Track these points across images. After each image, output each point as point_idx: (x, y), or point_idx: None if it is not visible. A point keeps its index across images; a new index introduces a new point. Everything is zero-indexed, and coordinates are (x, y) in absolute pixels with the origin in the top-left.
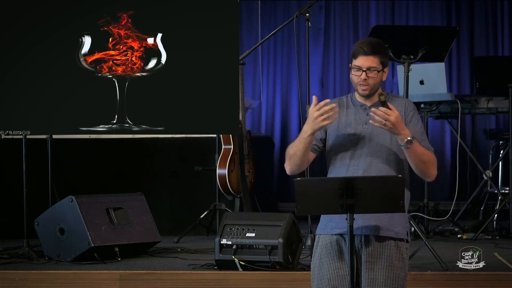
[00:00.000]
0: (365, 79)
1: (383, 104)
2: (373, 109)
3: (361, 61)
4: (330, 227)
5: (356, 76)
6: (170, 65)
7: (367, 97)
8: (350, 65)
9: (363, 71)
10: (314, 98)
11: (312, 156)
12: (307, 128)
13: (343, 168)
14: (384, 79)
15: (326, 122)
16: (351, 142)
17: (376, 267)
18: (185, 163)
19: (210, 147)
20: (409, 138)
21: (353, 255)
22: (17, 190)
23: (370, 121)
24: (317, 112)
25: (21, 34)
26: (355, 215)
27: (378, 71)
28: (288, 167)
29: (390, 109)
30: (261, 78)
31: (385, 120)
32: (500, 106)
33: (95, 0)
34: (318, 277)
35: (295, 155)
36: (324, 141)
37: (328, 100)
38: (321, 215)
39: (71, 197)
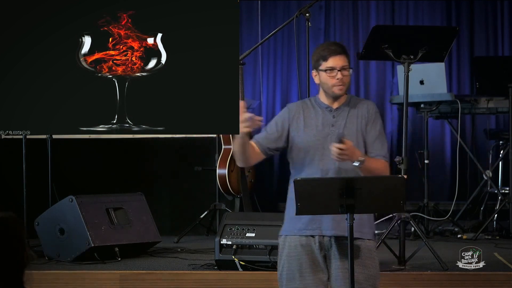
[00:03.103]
0: (341, 79)
1: (340, 142)
2: (332, 148)
3: (334, 61)
4: (298, 228)
5: (330, 78)
6: (170, 65)
7: (336, 98)
8: (316, 69)
9: (338, 70)
10: (241, 104)
11: (260, 157)
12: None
13: (312, 169)
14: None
15: (246, 130)
16: (319, 144)
17: (347, 266)
18: (185, 163)
19: (210, 147)
20: (361, 158)
21: (353, 255)
22: (17, 190)
23: (334, 157)
24: (241, 120)
25: (21, 34)
26: (324, 217)
27: (350, 70)
28: (237, 162)
29: (343, 142)
30: (261, 78)
31: (342, 155)
32: (500, 106)
33: (95, 0)
34: (287, 279)
35: (235, 153)
36: (284, 143)
37: (248, 116)
38: (285, 216)
39: (71, 197)
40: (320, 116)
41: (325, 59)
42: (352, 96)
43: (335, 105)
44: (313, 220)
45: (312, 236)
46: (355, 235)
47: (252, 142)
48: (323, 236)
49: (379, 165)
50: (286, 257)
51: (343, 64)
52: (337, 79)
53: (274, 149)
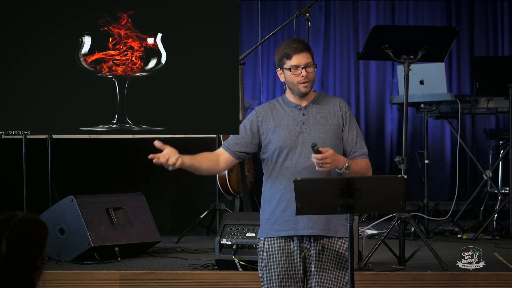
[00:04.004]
0: (306, 75)
1: (316, 151)
2: (313, 160)
3: (298, 59)
4: (275, 229)
5: (295, 76)
6: (170, 65)
7: (303, 95)
8: (280, 67)
9: (302, 68)
10: (156, 142)
11: (232, 161)
12: None
13: (287, 170)
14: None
15: (170, 163)
16: (292, 144)
17: (326, 265)
18: None
19: (210, 147)
20: (346, 165)
21: (353, 255)
22: (17, 190)
23: (317, 168)
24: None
25: (21, 34)
26: (299, 217)
27: (314, 66)
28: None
29: (321, 152)
30: (261, 78)
31: (323, 164)
32: (500, 106)
33: (95, 0)
34: (267, 280)
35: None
36: (255, 146)
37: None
38: (261, 218)
39: (71, 197)
40: (289, 115)
41: (289, 57)
42: (321, 93)
43: (304, 103)
44: (288, 220)
45: (291, 237)
46: (333, 234)
47: (221, 149)
48: (302, 236)
49: (363, 164)
50: (265, 260)
51: (307, 61)
52: (302, 76)
53: (243, 152)
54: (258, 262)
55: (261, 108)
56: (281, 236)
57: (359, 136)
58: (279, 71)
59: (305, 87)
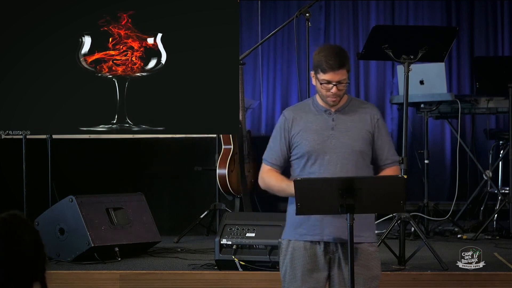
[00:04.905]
0: (336, 92)
1: None
2: None
3: (331, 76)
4: (300, 233)
5: (325, 90)
6: (170, 65)
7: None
8: (314, 74)
9: (334, 85)
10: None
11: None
12: (289, 193)
13: (314, 175)
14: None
15: None
16: (319, 149)
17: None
18: (185, 163)
19: (210, 147)
20: None
21: (353, 255)
22: (17, 190)
23: None
24: None
25: (21, 34)
26: (325, 223)
27: (347, 82)
28: (264, 188)
29: None
30: (261, 78)
31: None
32: (500, 106)
33: (95, 0)
34: (290, 280)
35: (271, 190)
36: (288, 153)
37: None
38: (287, 219)
39: (71, 197)
40: (319, 120)
41: (323, 71)
42: (353, 98)
43: (334, 108)
44: (314, 226)
45: (318, 241)
46: (358, 240)
47: (272, 168)
48: (328, 242)
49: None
50: (289, 261)
51: (341, 78)
52: (332, 92)
53: (287, 161)
54: (280, 262)
55: (289, 112)
56: (305, 240)
57: (389, 144)
58: (312, 73)
59: (334, 101)
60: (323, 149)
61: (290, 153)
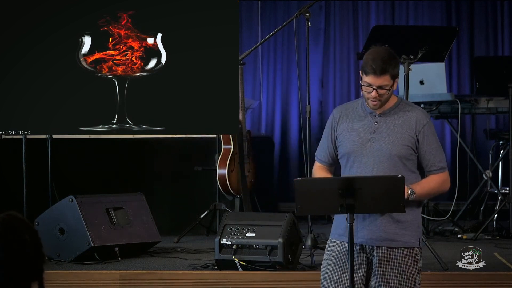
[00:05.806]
0: (375, 96)
1: None
2: None
3: (372, 80)
4: (337, 233)
5: (366, 92)
6: (170, 65)
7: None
8: (361, 74)
9: (374, 89)
10: None
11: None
12: None
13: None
14: (395, 88)
15: None
16: (358, 150)
17: (388, 271)
18: (185, 163)
19: (210, 147)
20: (409, 192)
21: (353, 255)
22: (17, 190)
23: None
24: None
25: (21, 34)
26: (358, 226)
27: (389, 88)
28: None
29: None
30: (261, 78)
31: None
32: (500, 106)
33: (95, 0)
34: (326, 280)
35: None
36: (335, 151)
37: None
38: (334, 219)
39: (71, 197)
40: (362, 121)
41: (366, 74)
42: (403, 100)
43: (380, 110)
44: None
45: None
46: (395, 245)
47: (322, 165)
48: (363, 244)
49: (434, 183)
50: (328, 259)
51: (382, 83)
52: (371, 95)
53: (336, 159)
54: (323, 260)
55: (337, 111)
56: (343, 241)
57: (437, 150)
58: (361, 72)
59: (374, 105)
60: (361, 151)
61: (337, 151)
